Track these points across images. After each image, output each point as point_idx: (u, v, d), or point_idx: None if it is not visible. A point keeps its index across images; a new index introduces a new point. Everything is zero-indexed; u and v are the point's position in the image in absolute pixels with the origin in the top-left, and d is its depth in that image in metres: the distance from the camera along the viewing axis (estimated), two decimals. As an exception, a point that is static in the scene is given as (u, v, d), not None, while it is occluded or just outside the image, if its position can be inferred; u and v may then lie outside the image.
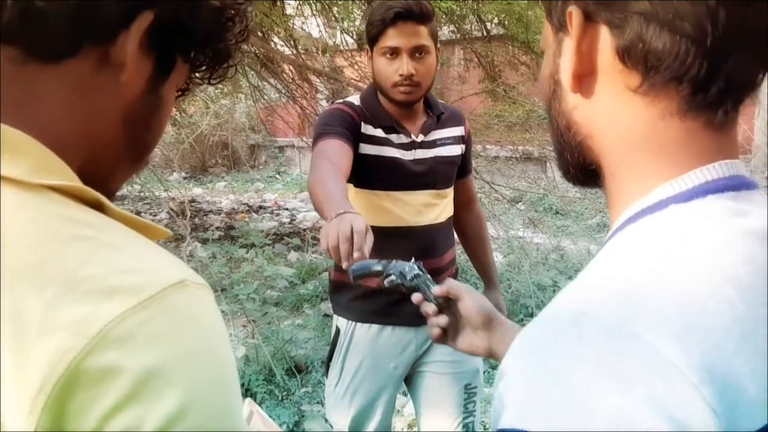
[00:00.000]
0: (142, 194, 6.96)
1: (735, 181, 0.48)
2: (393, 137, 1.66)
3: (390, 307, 1.69)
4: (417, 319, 1.70)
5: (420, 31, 1.57)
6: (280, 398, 3.08)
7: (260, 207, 7.91)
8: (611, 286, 0.44)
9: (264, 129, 9.68)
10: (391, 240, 1.65)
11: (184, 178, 9.91)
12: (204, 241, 5.50)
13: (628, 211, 0.50)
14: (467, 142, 1.81)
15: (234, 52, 0.59)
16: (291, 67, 5.33)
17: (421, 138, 1.68)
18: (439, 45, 1.68)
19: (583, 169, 0.57)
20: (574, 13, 0.50)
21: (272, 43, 5.15)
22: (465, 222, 1.92)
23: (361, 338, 1.72)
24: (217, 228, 6.55)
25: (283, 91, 5.63)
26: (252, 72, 5.60)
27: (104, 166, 0.56)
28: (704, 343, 0.39)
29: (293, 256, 5.36)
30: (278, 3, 4.49)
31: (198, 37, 0.55)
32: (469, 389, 1.74)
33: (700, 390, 0.37)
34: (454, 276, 1.83)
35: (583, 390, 0.38)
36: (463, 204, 1.89)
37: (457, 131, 1.77)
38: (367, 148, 1.65)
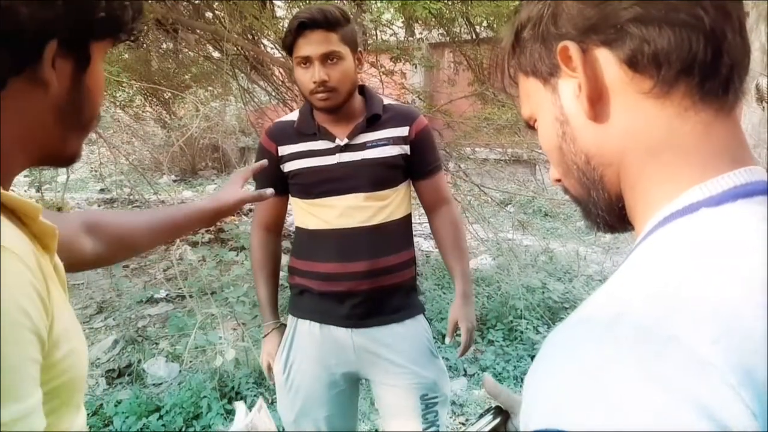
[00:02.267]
0: (131, 197, 6.93)
1: (761, 186, 0.49)
2: (317, 144, 1.70)
3: (323, 305, 1.73)
4: (350, 321, 1.72)
5: (329, 37, 1.59)
6: (270, 401, 3.08)
7: (250, 210, 7.88)
8: (647, 289, 0.44)
9: (254, 131, 9.64)
10: (315, 240, 1.73)
11: (174, 181, 9.87)
12: (194, 244, 5.47)
13: (658, 215, 0.50)
14: (416, 142, 1.73)
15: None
16: (281, 70, 5.33)
17: (345, 141, 1.68)
18: (360, 49, 1.71)
19: (612, 208, 0.57)
20: (571, 47, 0.52)
21: (262, 45, 5.14)
22: (435, 226, 1.86)
23: (303, 334, 1.76)
24: (206, 231, 6.52)
25: (273, 93, 5.63)
26: (242, 74, 5.60)
27: (54, 149, 0.69)
28: (742, 347, 0.39)
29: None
30: (268, 5, 4.49)
31: (104, 31, 0.67)
32: (426, 399, 1.72)
33: (739, 392, 0.37)
34: (410, 280, 1.80)
35: (621, 390, 0.38)
36: (431, 207, 1.85)
37: (398, 132, 1.72)
38: (289, 165, 1.73)
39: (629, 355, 0.39)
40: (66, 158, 0.74)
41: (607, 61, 0.51)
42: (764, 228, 0.45)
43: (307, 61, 1.60)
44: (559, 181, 0.64)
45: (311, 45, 1.58)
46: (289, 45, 1.63)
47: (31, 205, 0.67)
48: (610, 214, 0.58)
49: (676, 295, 0.42)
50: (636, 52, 0.49)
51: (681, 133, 0.50)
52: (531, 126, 0.65)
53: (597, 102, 0.53)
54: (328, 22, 1.58)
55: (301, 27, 1.58)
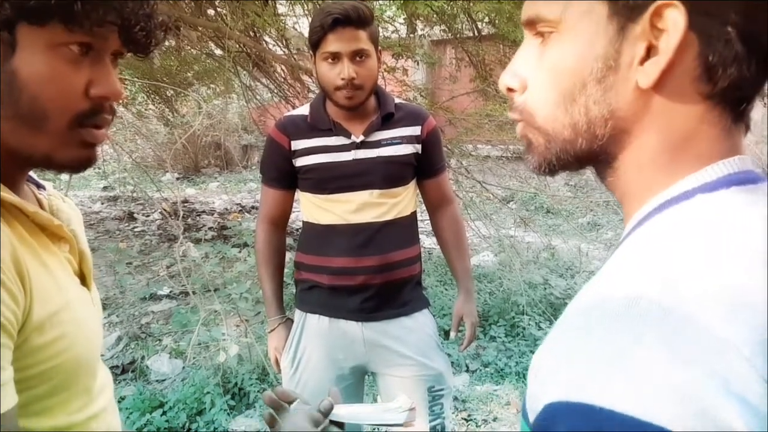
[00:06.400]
0: (134, 195, 6.94)
1: (751, 174, 0.50)
2: (332, 140, 1.71)
3: (334, 300, 1.74)
4: (361, 314, 1.74)
5: (359, 35, 1.60)
6: (273, 397, 3.09)
7: (253, 207, 7.90)
8: (658, 272, 0.45)
9: (256, 129, 9.65)
10: (327, 235, 1.74)
11: (177, 179, 9.87)
12: (197, 241, 5.49)
13: (653, 201, 0.51)
14: (427, 142, 1.78)
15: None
16: (283, 67, 5.33)
17: (361, 138, 1.71)
18: (380, 47, 1.72)
19: (586, 157, 0.55)
20: (679, 13, 0.47)
21: (264, 42, 5.15)
22: (438, 224, 1.91)
23: (311, 329, 1.77)
24: (209, 228, 6.54)
25: (276, 90, 5.63)
26: (244, 72, 5.60)
27: (14, 143, 0.69)
28: (752, 321, 0.41)
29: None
30: (270, 2, 4.49)
31: (33, 14, 0.63)
32: (433, 392, 1.75)
33: (753, 363, 0.39)
34: (417, 275, 1.82)
35: (642, 366, 0.39)
36: (435, 205, 1.90)
37: (411, 131, 1.76)
38: (302, 160, 1.73)
39: (651, 333, 0.41)
40: (39, 158, 0.71)
41: (690, 48, 0.48)
42: (761, 211, 0.47)
43: (335, 57, 1.61)
44: (512, 90, 0.58)
45: (342, 42, 1.59)
46: (316, 40, 1.63)
47: (18, 202, 0.70)
48: (578, 160, 0.55)
49: (686, 276, 0.43)
50: (724, 59, 0.48)
51: (705, 134, 0.51)
52: (531, 26, 0.56)
53: (662, 77, 0.49)
54: (360, 20, 1.60)
55: (335, 23, 1.58)
